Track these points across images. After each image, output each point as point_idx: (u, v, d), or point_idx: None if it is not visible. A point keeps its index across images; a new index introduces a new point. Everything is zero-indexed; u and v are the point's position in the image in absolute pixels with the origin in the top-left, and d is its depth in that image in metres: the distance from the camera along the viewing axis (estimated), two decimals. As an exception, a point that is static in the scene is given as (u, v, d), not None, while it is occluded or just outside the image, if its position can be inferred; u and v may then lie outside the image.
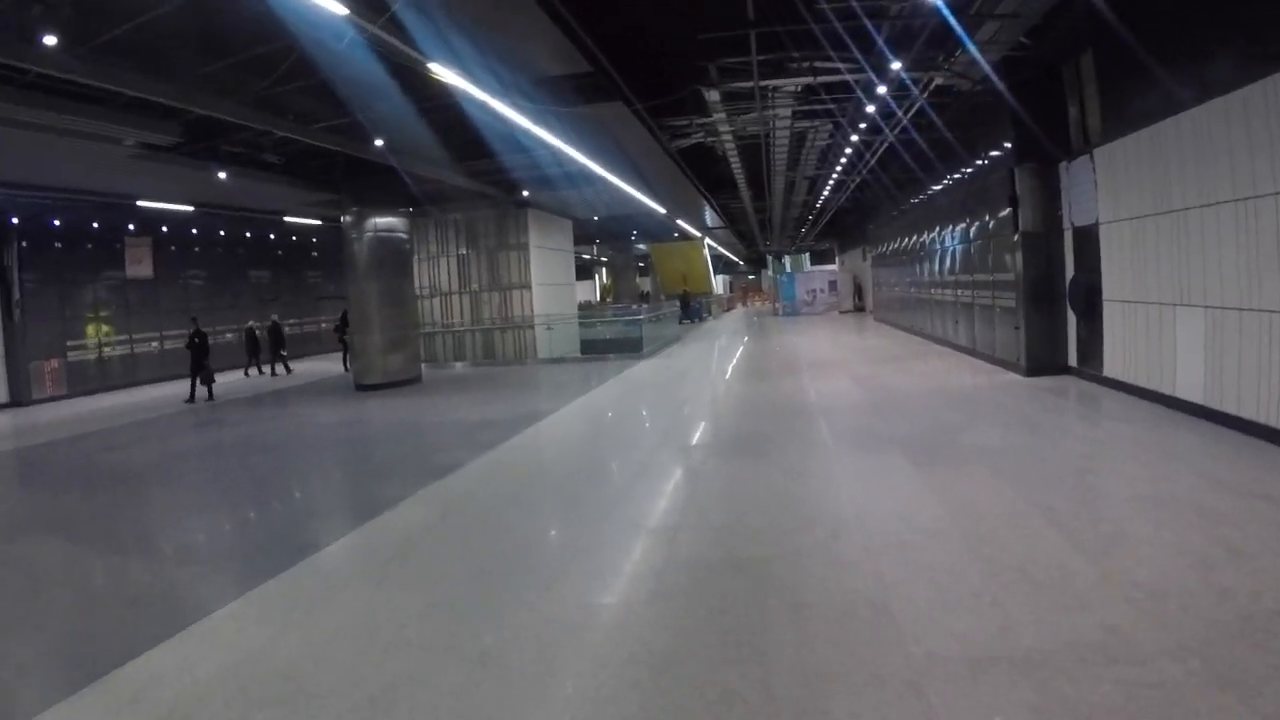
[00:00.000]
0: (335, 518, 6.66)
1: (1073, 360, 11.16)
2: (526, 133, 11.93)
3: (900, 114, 13.81)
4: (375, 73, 9.32)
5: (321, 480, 8.41)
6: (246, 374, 20.93)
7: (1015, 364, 12.01)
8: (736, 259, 62.74)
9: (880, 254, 25.41)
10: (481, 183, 17.81)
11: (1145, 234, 8.75)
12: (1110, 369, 9.85)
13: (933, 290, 17.31)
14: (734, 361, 16.87)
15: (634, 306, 33.51)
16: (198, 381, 15.60)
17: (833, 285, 34.94)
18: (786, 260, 69.43)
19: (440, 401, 13.42)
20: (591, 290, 66.62)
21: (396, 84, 10.02)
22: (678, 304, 34.07)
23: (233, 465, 9.18)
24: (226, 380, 18.59)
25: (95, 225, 19.30)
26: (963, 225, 14.72)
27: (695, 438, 8.74)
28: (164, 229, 21.20)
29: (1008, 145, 12.11)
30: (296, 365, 22.01)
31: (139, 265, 21.00)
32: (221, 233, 23.34)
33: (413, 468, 8.12)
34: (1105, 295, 9.89)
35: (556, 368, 17.74)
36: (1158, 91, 8.15)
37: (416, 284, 20.96)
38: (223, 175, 14.02)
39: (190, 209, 18.41)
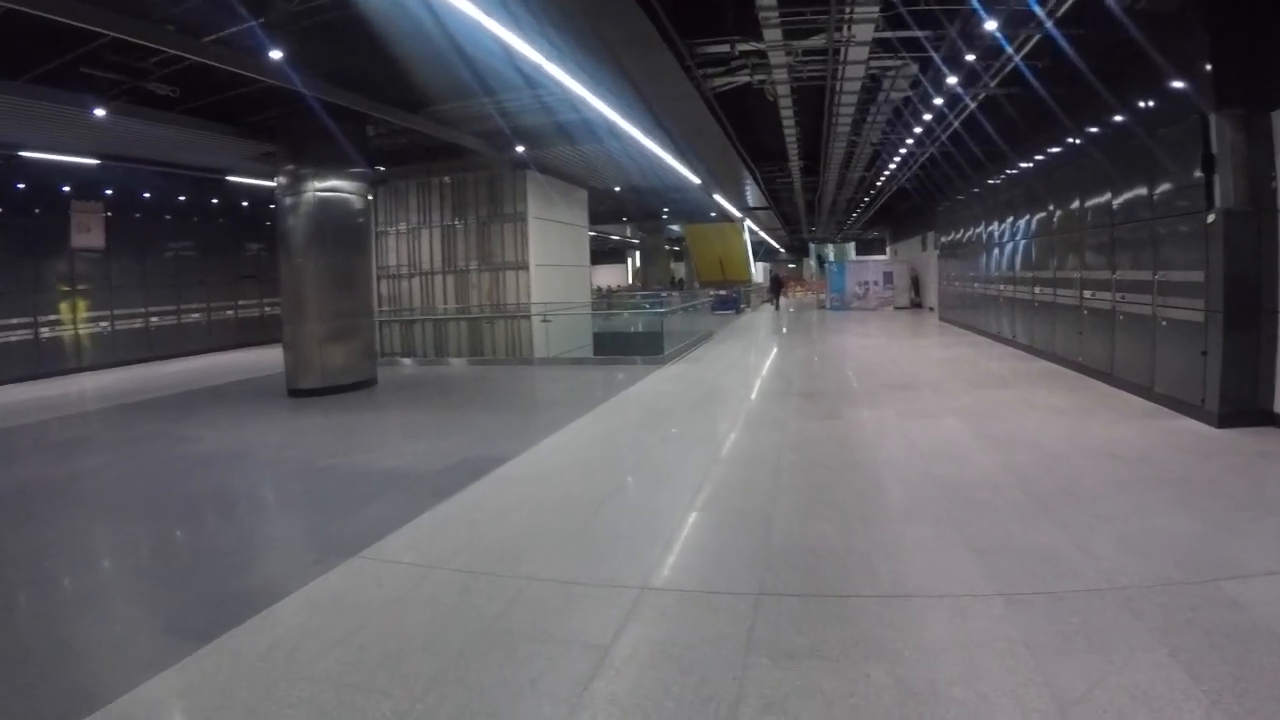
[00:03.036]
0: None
1: None
2: (512, 55, 8.42)
3: (1011, 50, 9.90)
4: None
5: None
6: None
7: (1194, 405, 8.14)
8: (778, 245, 58.54)
9: (951, 242, 21.29)
10: (463, 133, 14.09)
11: None
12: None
13: (1037, 289, 13.30)
14: (781, 376, 12.79)
15: (663, 294, 29.69)
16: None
17: (888, 278, 30.84)
18: (829, 249, 65.32)
19: (370, 423, 9.79)
20: (624, 275, 63.06)
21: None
22: (712, 293, 30.19)
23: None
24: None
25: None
26: (1098, 202, 10.72)
27: (711, 565, 4.94)
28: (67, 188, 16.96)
29: (1195, 83, 8.17)
30: (230, 357, 18.48)
31: (86, 234, 17.50)
32: (147, 195, 18.84)
33: (189, 595, 4.45)
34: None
35: (550, 374, 13.96)
36: None
37: (393, 260, 17.44)
38: (100, 112, 10.44)
39: (93, 162, 14.61)
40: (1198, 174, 8.08)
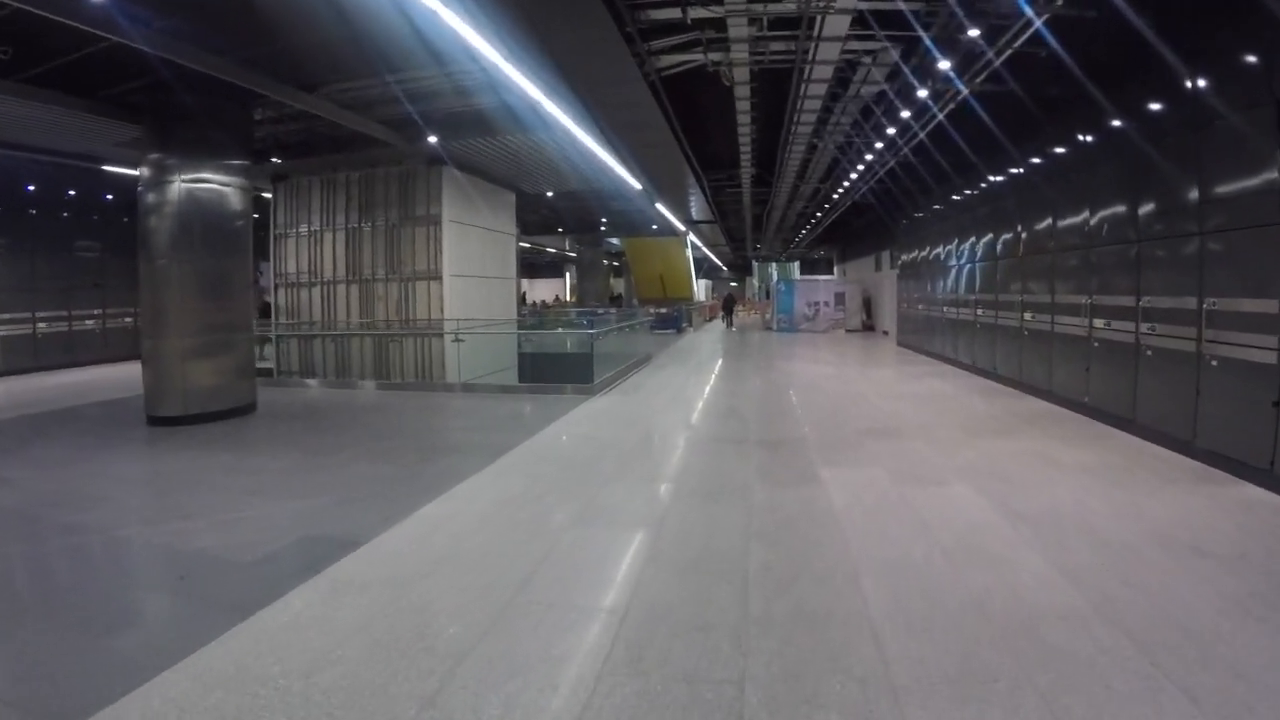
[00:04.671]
0: None
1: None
2: (419, 21, 6.44)
3: (1032, 14, 8.12)
4: None
5: None
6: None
7: (1259, 469, 6.39)
8: (720, 263, 56.91)
9: (914, 260, 19.61)
10: (369, 120, 11.81)
11: None
12: None
13: (1026, 315, 11.56)
14: (734, 415, 10.51)
15: (599, 311, 27.55)
16: None
17: (839, 298, 29.20)
18: (773, 268, 64.00)
19: (216, 471, 7.35)
20: (562, 289, 60.64)
21: None
22: (651, 311, 28.08)
23: None
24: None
25: None
26: (1115, 213, 8.98)
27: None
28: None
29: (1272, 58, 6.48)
30: (118, 370, 15.86)
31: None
32: (32, 188, 16.73)
33: None
34: None
35: (459, 405, 11.65)
36: None
37: (293, 267, 15.01)
38: None
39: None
40: (1274, 173, 6.31)
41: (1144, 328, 8.27)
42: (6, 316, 16.43)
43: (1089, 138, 9.77)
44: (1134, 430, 8.44)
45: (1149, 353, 8.21)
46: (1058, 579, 4.35)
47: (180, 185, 9.98)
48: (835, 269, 42.49)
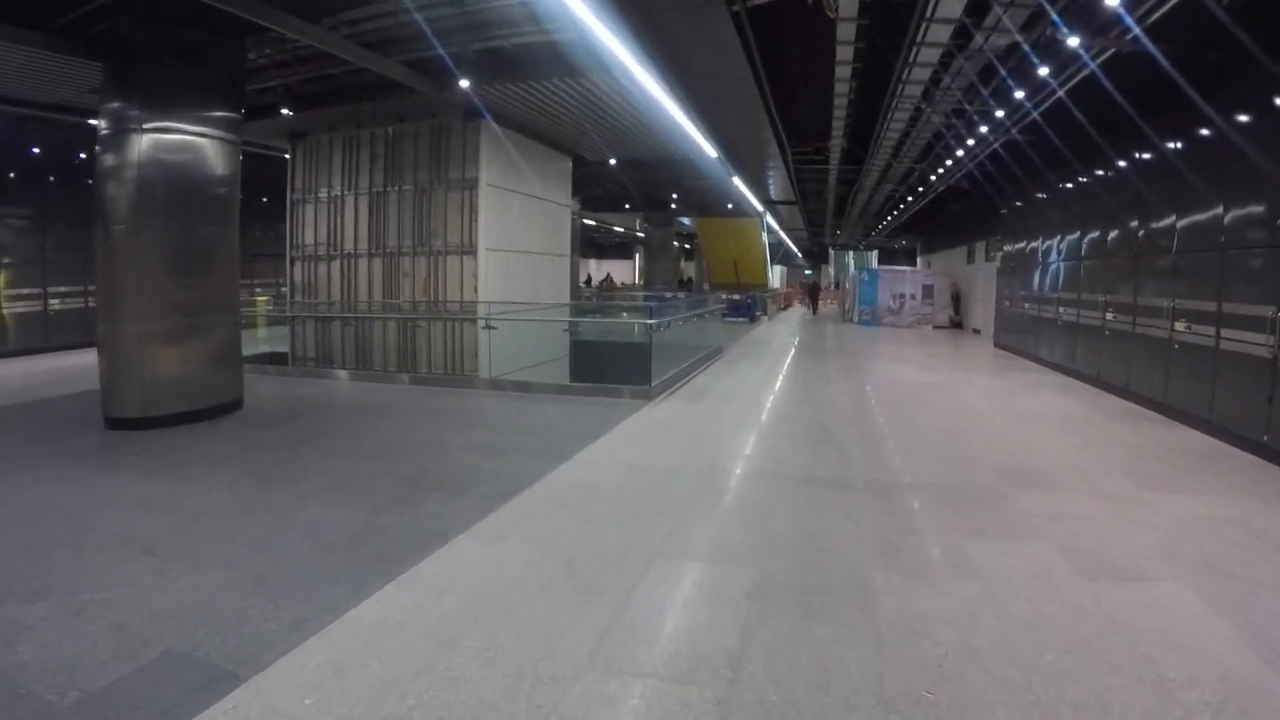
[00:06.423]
0: None
1: None
2: None
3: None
4: None
5: None
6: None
7: None
8: (796, 249, 54.13)
9: (1019, 253, 16.97)
10: (391, 61, 9.89)
11: None
12: None
13: (1179, 325, 9.03)
14: (828, 441, 7.96)
15: (666, 295, 25.43)
16: None
17: (927, 291, 26.48)
18: (849, 257, 60.83)
19: (130, 509, 5.42)
20: (631, 272, 58.42)
21: None
22: (724, 297, 25.78)
23: None
24: None
25: None
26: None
27: None
28: None
29: None
30: (76, 359, 14.01)
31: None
32: None
33: None
34: None
35: (485, 410, 9.48)
36: None
37: (310, 238, 13.28)
38: None
39: None
40: None
41: None
42: (13, 293, 15.05)
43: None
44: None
45: None
46: None
47: (144, 136, 8.12)
48: (919, 260, 39.52)
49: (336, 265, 13.10)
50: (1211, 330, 8.35)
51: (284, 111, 11.92)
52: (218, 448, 7.42)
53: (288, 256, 13.65)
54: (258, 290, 25.71)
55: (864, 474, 6.56)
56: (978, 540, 4.88)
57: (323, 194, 13.18)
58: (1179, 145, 9.42)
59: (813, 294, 38.67)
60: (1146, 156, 10.32)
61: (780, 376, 12.91)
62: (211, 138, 8.59)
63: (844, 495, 5.86)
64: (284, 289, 14.95)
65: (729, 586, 4.15)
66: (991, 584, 4.18)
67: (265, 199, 18.72)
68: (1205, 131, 8.70)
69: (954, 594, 4.06)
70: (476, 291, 11.79)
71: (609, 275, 56.19)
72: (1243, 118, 8.00)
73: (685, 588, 4.17)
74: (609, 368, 10.94)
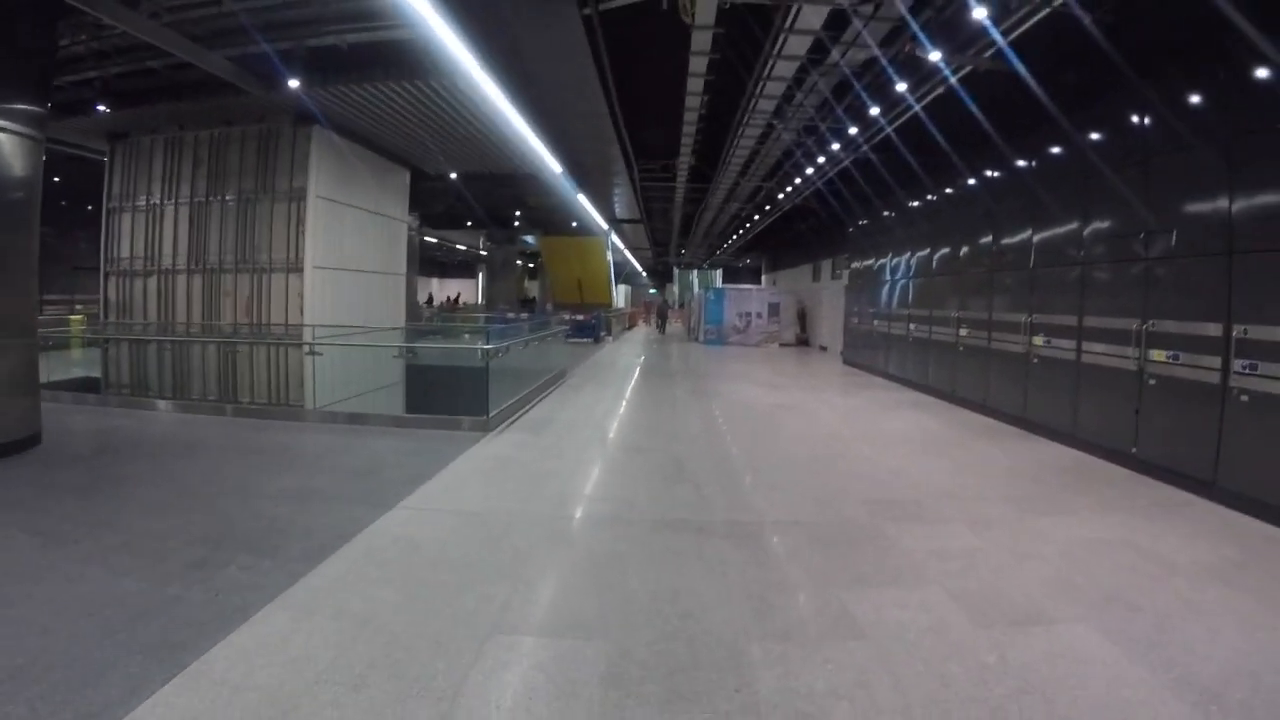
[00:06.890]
0: None
1: None
2: None
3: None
4: None
5: None
6: None
7: None
8: (640, 268, 54.44)
9: (868, 270, 17.37)
10: (215, 55, 8.75)
11: None
12: None
13: (1037, 339, 9.25)
14: (681, 475, 7.39)
15: (509, 315, 24.64)
16: None
17: (774, 310, 26.92)
18: (693, 276, 61.83)
19: None
20: (474, 292, 56.80)
21: None
22: (567, 317, 25.15)
23: None
24: None
25: None
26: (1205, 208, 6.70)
27: None
28: None
29: None
30: None
31: None
32: None
33: None
34: None
35: (301, 447, 8.35)
36: None
37: (126, 250, 11.74)
38: None
39: None
40: None
41: (1238, 364, 5.97)
42: None
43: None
44: (1212, 495, 6.23)
45: (1244, 398, 5.95)
46: None
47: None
48: (764, 278, 40.46)
49: (154, 282, 11.59)
50: (1072, 344, 8.50)
51: (101, 108, 10.47)
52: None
53: (101, 271, 12.04)
54: (78, 307, 23.18)
55: (725, 513, 6.02)
56: (860, 590, 4.45)
57: (141, 202, 11.67)
58: (1038, 162, 9.65)
59: (661, 313, 39.48)
60: (1004, 173, 10.57)
61: (626, 403, 12.33)
62: (9, 132, 7.22)
63: (705, 542, 5.29)
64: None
65: (580, 670, 3.47)
66: (883, 643, 3.74)
67: (91, 206, 16.74)
68: (1065, 149, 8.92)
69: (842, 660, 3.57)
70: (302, 313, 10.67)
71: (458, 294, 54.65)
72: (1097, 136, 8.22)
73: (527, 673, 3.45)
74: (447, 395, 10.01)
